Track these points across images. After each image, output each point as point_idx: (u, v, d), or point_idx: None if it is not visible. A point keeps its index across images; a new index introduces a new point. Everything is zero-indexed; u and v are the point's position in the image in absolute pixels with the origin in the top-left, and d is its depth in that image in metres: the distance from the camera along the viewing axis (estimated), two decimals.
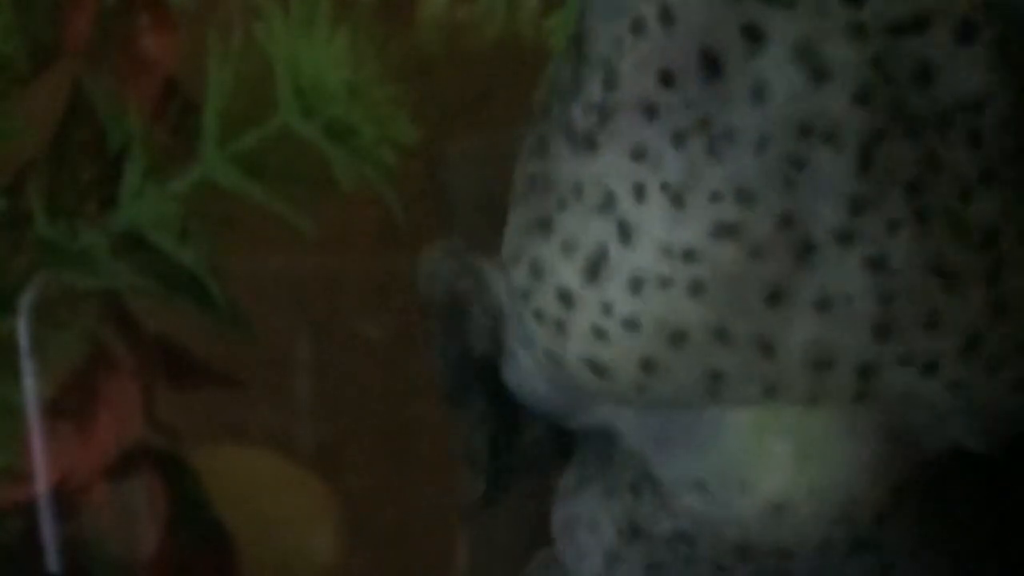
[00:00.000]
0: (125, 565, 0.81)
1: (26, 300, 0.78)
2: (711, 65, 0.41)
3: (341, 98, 0.75)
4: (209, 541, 0.83)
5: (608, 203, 0.43)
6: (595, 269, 0.43)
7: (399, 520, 0.91)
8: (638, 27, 0.42)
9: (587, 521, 0.50)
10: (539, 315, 0.45)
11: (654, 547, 0.48)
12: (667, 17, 0.42)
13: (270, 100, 0.75)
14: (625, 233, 0.43)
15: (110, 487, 0.81)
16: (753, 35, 0.41)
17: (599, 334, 0.44)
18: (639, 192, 0.42)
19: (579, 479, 0.52)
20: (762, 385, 0.43)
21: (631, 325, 0.43)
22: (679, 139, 0.42)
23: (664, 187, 0.42)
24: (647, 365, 0.43)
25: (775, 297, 0.42)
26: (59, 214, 0.77)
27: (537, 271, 0.45)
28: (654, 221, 0.42)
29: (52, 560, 0.80)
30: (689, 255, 0.42)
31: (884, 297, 0.42)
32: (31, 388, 0.79)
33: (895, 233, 0.42)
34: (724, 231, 0.42)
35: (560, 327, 0.45)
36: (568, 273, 0.44)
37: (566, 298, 0.44)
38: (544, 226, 0.45)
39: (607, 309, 0.43)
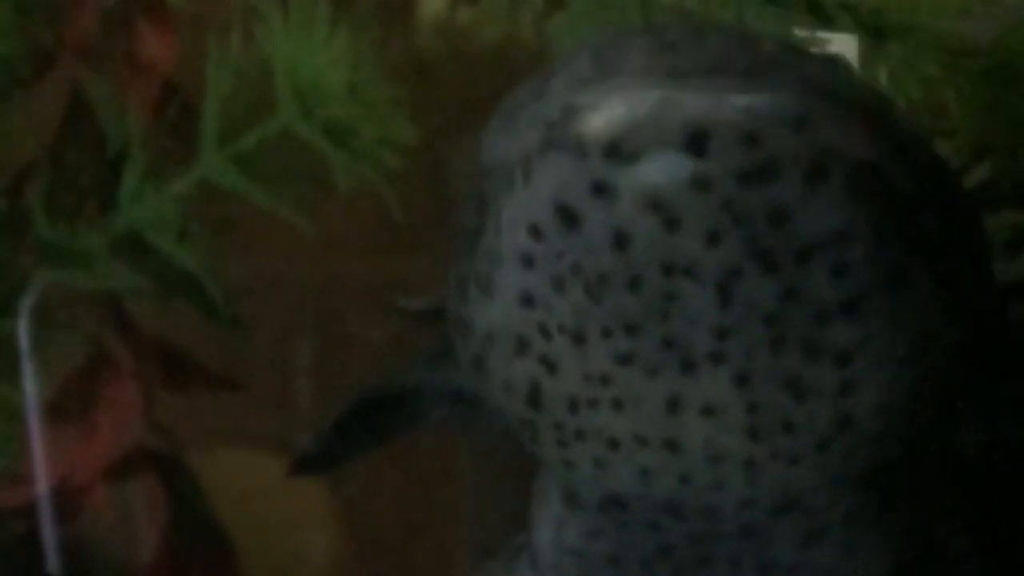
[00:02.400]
0: (125, 567, 0.81)
1: (26, 302, 0.78)
2: (570, 219, 0.44)
3: (340, 99, 0.75)
4: (208, 543, 0.83)
5: (523, 346, 0.48)
6: (536, 399, 0.49)
7: (399, 521, 0.91)
8: (508, 184, 0.46)
9: (542, 492, 0.54)
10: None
11: (590, 514, 0.52)
12: (527, 176, 0.45)
13: (269, 101, 0.75)
14: (550, 366, 0.48)
15: (110, 489, 0.81)
16: (603, 190, 0.43)
17: (560, 442, 0.50)
18: (544, 332, 0.47)
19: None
20: (677, 476, 0.49)
21: (579, 435, 0.49)
22: (558, 285, 0.46)
23: (561, 328, 0.47)
24: (598, 462, 0.50)
25: (672, 406, 0.47)
26: (59, 216, 0.77)
27: (490, 402, 0.52)
28: (567, 355, 0.47)
29: (52, 562, 0.80)
30: (605, 379, 0.47)
31: (750, 407, 0.47)
32: (31, 390, 0.79)
33: (754, 356, 0.46)
34: (623, 359, 0.47)
35: (529, 428, 0.50)
36: (518, 405, 0.50)
37: (525, 423, 0.50)
38: (479, 367, 0.50)
39: (558, 426, 0.49)
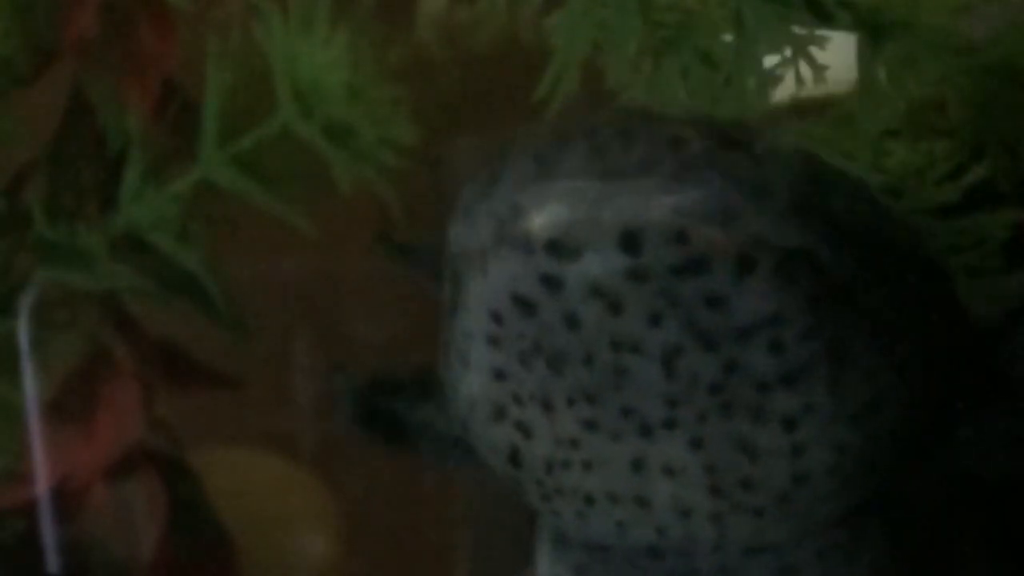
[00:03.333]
0: (125, 566, 0.81)
1: (26, 301, 0.78)
2: (525, 306, 0.48)
3: (340, 99, 0.75)
4: (208, 542, 0.83)
5: (500, 413, 0.52)
6: (516, 460, 0.52)
7: (399, 520, 0.91)
8: (471, 272, 0.50)
9: (539, 528, 0.58)
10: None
11: (578, 552, 0.56)
12: (485, 268, 0.49)
13: (269, 101, 0.75)
14: (525, 431, 0.52)
15: (110, 488, 0.81)
16: (551, 281, 0.47)
17: (543, 496, 0.54)
18: (518, 400, 0.51)
19: None
20: (651, 528, 0.53)
21: (558, 492, 0.53)
22: (524, 361, 0.50)
23: (532, 397, 0.51)
24: (579, 514, 0.53)
25: (636, 466, 0.51)
26: (59, 215, 0.77)
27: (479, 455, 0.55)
28: (539, 422, 0.51)
29: (52, 561, 0.80)
30: (574, 443, 0.51)
31: (708, 468, 0.51)
32: (31, 389, 0.79)
33: (705, 422, 0.50)
34: (588, 425, 0.50)
35: (514, 482, 0.54)
36: (501, 464, 0.53)
37: (511, 478, 0.54)
38: (465, 428, 0.54)
39: (539, 483, 0.53)
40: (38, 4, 0.78)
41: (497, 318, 0.49)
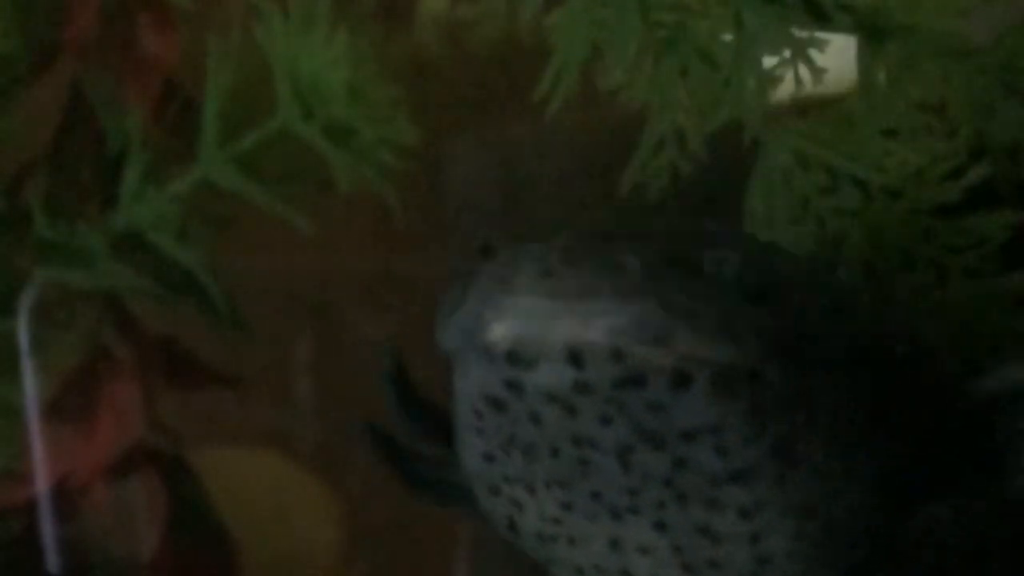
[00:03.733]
0: (125, 565, 0.81)
1: (26, 301, 0.78)
2: (496, 404, 0.53)
3: (340, 99, 0.75)
4: (209, 542, 0.84)
5: (495, 489, 0.56)
6: (514, 528, 0.57)
7: (399, 520, 0.91)
8: (456, 372, 0.54)
9: None
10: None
11: None
12: (462, 369, 0.54)
13: (270, 101, 0.75)
14: (518, 506, 0.56)
15: (110, 487, 0.81)
16: (513, 386, 0.52)
17: (543, 559, 0.58)
18: (507, 480, 0.56)
19: None
20: None
21: (551, 561, 0.57)
22: (504, 449, 0.54)
23: (518, 479, 0.55)
24: None
25: (614, 545, 0.55)
26: (59, 215, 0.77)
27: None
28: (527, 500, 0.56)
29: (52, 560, 0.80)
30: (557, 521, 0.55)
31: (675, 549, 0.55)
32: (31, 389, 0.79)
33: (664, 509, 0.54)
34: (565, 506, 0.55)
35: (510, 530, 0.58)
36: (502, 529, 0.58)
37: (512, 541, 0.58)
38: (470, 494, 0.59)
39: (535, 550, 0.57)
40: (38, 3, 0.78)
41: (477, 413, 0.54)
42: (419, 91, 0.76)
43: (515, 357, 0.51)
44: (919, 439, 0.58)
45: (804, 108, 0.66)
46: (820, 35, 0.63)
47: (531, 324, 0.51)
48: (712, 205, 0.68)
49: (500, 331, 0.51)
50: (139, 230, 0.77)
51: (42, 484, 0.79)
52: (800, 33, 0.63)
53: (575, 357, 0.51)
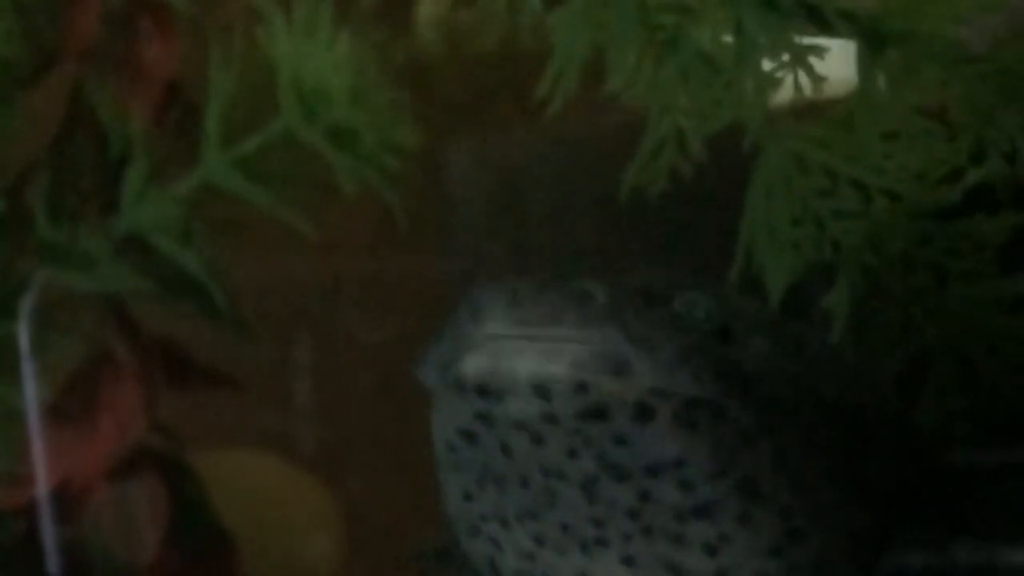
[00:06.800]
0: (126, 568, 0.81)
1: (27, 303, 0.78)
2: (469, 437, 0.54)
3: (343, 102, 0.75)
4: (210, 544, 0.84)
5: (475, 530, 0.57)
6: (495, 569, 0.58)
7: (399, 522, 0.91)
8: (432, 409, 0.56)
9: None
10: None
11: None
12: (438, 403, 0.55)
13: (272, 104, 0.75)
14: (496, 545, 0.57)
15: (111, 490, 0.81)
16: (484, 418, 0.53)
17: None
18: (484, 519, 0.56)
19: None
20: None
21: None
22: (480, 482, 0.55)
23: (494, 515, 0.56)
24: None
25: None
26: (60, 217, 0.77)
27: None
28: (503, 537, 0.56)
29: (53, 563, 0.80)
30: (531, 556, 0.56)
31: None
32: (32, 391, 0.79)
33: (630, 542, 0.54)
34: (537, 540, 0.55)
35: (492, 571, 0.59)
36: (484, 570, 0.58)
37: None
38: (452, 548, 0.61)
39: None
40: (40, 6, 0.78)
41: (452, 447, 0.55)
42: (420, 94, 0.76)
43: (484, 390, 0.52)
44: (887, 489, 0.58)
45: (804, 111, 0.66)
46: (820, 42, 0.63)
47: (499, 358, 0.52)
48: (712, 206, 0.68)
49: (470, 365, 0.52)
50: (141, 233, 0.77)
51: (43, 486, 0.79)
52: (800, 40, 0.63)
53: (541, 389, 0.51)
